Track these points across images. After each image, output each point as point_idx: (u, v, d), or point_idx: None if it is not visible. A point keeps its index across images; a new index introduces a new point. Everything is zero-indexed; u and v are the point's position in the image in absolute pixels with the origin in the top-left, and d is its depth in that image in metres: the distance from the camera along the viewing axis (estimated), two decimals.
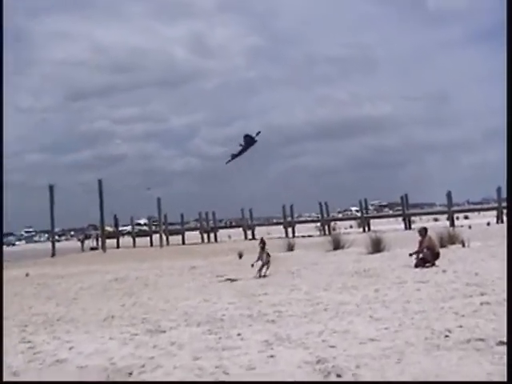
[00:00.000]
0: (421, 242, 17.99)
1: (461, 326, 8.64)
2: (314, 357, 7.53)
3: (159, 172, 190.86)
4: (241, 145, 29.18)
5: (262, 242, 19.00)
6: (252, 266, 18.51)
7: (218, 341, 9.06)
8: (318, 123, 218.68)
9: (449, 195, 55.94)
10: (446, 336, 8.07)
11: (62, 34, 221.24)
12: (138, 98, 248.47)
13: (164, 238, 60.79)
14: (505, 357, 6.87)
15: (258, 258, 18.68)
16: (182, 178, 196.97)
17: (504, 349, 7.19)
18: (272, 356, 7.79)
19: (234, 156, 29.83)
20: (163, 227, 61.30)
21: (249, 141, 27.84)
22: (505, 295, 10.94)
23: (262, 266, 18.37)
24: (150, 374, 7.42)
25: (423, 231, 18.38)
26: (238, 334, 9.41)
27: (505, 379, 6.17)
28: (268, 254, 18.70)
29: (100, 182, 59.78)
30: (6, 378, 7.69)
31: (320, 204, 58.64)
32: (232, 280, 17.84)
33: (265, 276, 17.96)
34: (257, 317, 10.99)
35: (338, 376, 6.71)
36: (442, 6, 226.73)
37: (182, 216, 68.07)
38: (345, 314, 10.54)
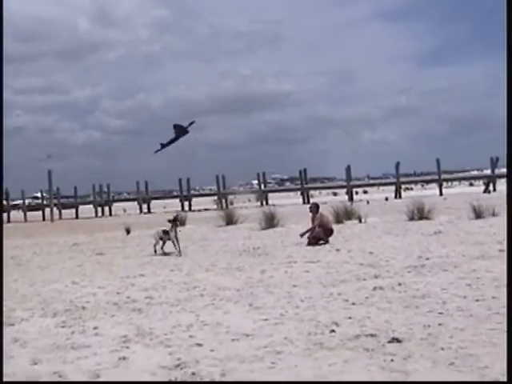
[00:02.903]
0: (312, 220, 16.96)
1: (350, 318, 7.49)
2: (174, 359, 6.21)
3: (59, 145, 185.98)
4: (172, 139, 26.08)
5: (174, 220, 17.38)
6: (155, 251, 16.91)
7: (70, 336, 7.63)
8: (220, 98, 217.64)
9: (348, 170, 55.67)
10: (332, 331, 6.88)
11: None
12: (40, 68, 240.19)
13: (57, 211, 58.37)
14: (396, 358, 5.76)
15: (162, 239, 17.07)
16: (82, 152, 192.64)
17: (396, 348, 6.08)
18: (124, 358, 6.42)
19: (164, 145, 27.21)
20: (55, 201, 58.74)
21: (180, 131, 25.28)
22: (398, 279, 10.03)
23: (164, 243, 16.92)
24: None
25: (314, 208, 17.32)
26: (95, 328, 7.99)
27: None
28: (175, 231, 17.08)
29: None
30: None
31: (217, 177, 57.25)
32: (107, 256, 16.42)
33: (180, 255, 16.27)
34: (123, 304, 9.60)
35: None
36: None
37: (75, 189, 65.59)
38: (222, 300, 9.28)
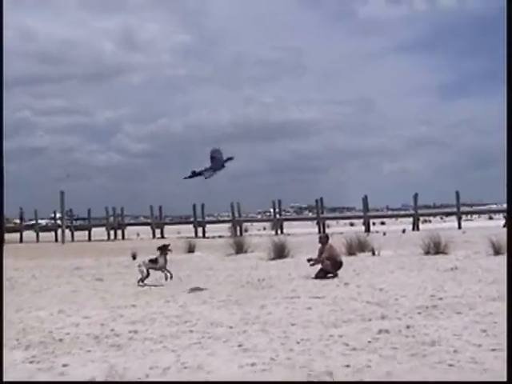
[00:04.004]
0: (320, 251, 16.06)
1: (347, 366, 6.60)
2: None
3: (80, 166, 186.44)
4: (206, 169, 22.47)
5: (163, 248, 16.00)
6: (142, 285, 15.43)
7: (33, 374, 6.87)
8: (242, 124, 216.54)
9: (365, 200, 54.51)
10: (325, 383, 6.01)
11: None
12: (64, 89, 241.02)
13: (69, 233, 57.78)
14: None
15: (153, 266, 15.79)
16: (102, 174, 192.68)
17: None
18: None
19: (195, 174, 24.43)
20: (67, 223, 58.05)
21: (217, 163, 21.86)
22: (407, 321, 9.10)
23: (146, 276, 15.59)
24: None
25: (324, 239, 16.45)
26: (64, 365, 7.19)
27: None
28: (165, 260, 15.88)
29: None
30: None
31: (231, 204, 56.30)
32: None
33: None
34: (105, 338, 8.80)
35: None
36: (372, 16, 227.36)
37: (88, 211, 64.95)
38: (211, 339, 8.42)
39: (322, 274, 15.33)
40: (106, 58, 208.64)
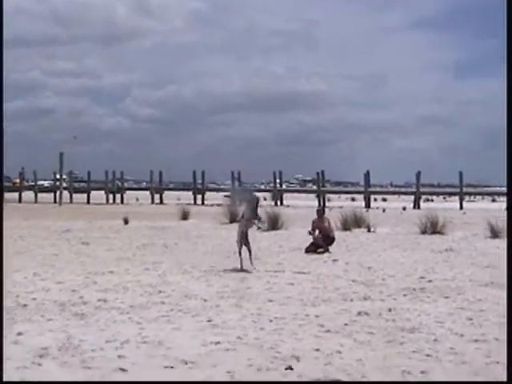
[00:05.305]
0: (315, 223, 15.55)
1: (317, 350, 6.12)
2: None
3: (87, 129, 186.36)
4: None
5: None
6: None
7: None
8: (251, 94, 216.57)
9: (366, 175, 53.96)
10: (289, 368, 5.53)
11: None
12: (75, 51, 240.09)
13: (68, 195, 57.47)
14: None
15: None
16: (110, 138, 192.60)
17: None
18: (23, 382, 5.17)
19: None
20: (64, 185, 57.66)
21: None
22: (390, 303, 8.60)
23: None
24: None
25: (321, 211, 16.01)
26: (19, 333, 6.75)
27: None
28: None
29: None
30: None
31: (232, 173, 55.63)
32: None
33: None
34: (70, 306, 8.37)
35: None
36: None
37: (88, 174, 64.51)
38: (181, 312, 7.97)
39: (312, 248, 14.87)
40: (119, 22, 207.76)
